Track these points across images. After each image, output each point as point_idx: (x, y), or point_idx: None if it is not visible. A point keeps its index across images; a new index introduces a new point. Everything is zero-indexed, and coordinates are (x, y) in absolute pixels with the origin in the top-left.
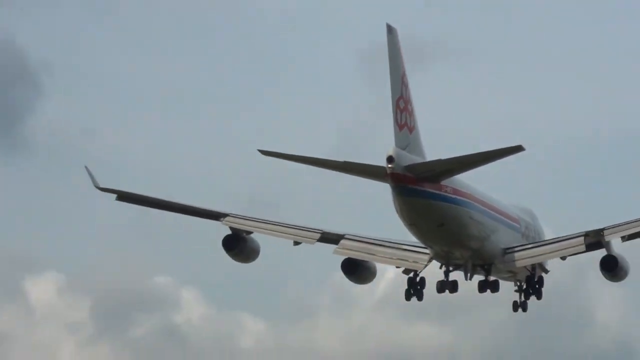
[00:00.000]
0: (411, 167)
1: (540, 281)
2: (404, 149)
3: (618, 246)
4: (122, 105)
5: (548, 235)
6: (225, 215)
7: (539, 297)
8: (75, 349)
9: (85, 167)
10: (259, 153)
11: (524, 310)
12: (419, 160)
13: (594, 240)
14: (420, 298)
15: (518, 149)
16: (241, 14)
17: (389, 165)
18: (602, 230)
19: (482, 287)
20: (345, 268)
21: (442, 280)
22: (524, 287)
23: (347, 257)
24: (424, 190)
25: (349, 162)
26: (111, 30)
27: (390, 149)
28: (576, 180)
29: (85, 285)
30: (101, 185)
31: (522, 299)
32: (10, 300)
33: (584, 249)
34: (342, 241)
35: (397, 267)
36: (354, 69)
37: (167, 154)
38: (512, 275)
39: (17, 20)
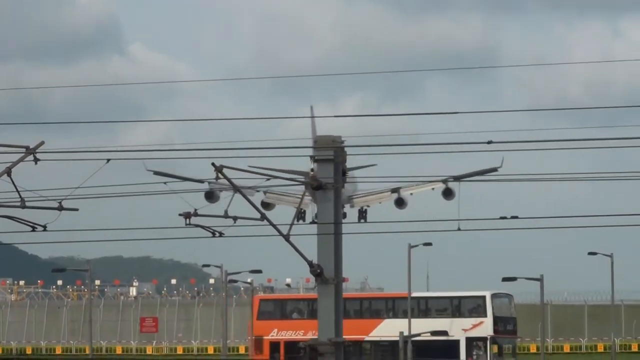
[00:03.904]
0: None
1: (366, 212)
2: None
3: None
4: None
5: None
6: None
7: (365, 220)
8: None
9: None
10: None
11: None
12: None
13: (396, 192)
14: (305, 221)
15: (372, 165)
16: None
17: (311, 170)
18: (399, 188)
19: None
20: (262, 204)
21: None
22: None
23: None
24: None
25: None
26: None
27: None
28: None
29: None
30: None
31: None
32: None
33: (390, 198)
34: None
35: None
36: None
37: None
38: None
39: None
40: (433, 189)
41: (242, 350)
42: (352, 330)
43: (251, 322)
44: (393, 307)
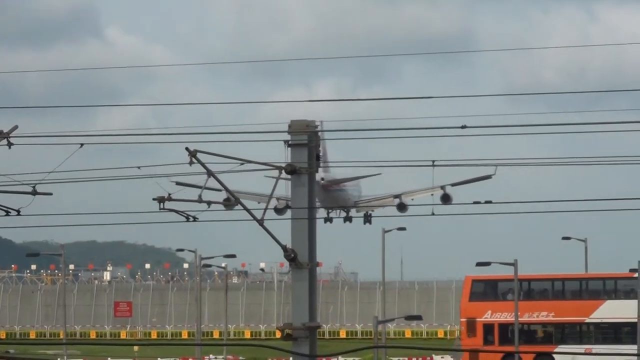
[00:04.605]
0: (328, 181)
1: (371, 215)
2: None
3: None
4: None
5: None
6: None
7: (370, 222)
8: None
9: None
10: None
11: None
12: (330, 176)
13: (398, 198)
14: None
15: (376, 174)
16: None
17: (322, 179)
18: (401, 194)
19: (345, 220)
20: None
21: (324, 217)
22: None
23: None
24: (332, 188)
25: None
26: None
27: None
28: None
29: None
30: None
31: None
32: None
33: (393, 203)
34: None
35: None
36: None
37: None
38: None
39: None
40: (432, 194)
41: (216, 335)
42: (571, 312)
43: (462, 304)
44: (615, 287)
